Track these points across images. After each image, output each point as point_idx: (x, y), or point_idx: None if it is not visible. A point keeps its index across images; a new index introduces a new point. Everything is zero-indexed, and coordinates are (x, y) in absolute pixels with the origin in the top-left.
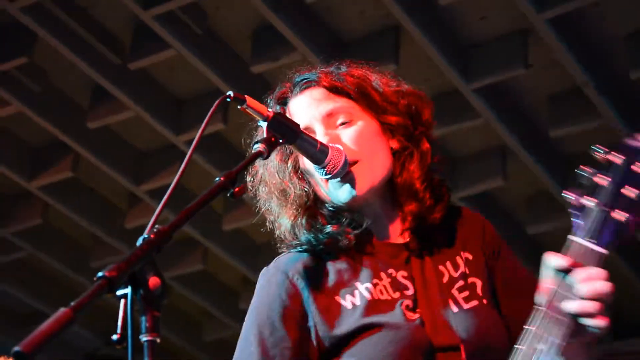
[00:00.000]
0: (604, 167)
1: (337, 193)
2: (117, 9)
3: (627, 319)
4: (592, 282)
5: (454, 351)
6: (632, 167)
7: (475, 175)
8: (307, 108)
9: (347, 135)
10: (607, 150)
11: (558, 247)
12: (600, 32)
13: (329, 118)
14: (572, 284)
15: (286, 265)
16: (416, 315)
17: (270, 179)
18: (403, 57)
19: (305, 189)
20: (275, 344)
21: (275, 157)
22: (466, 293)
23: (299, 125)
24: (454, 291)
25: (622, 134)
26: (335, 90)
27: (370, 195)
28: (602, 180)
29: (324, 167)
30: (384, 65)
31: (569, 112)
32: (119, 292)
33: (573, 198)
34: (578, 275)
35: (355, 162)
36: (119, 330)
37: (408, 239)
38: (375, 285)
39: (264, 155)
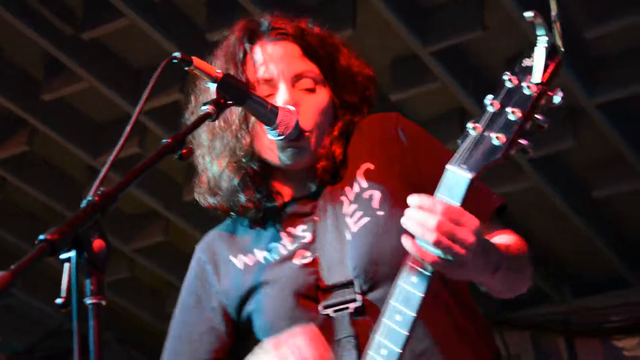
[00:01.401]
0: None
1: (280, 154)
2: None
3: (585, 277)
4: (425, 216)
5: (348, 287)
6: (523, 88)
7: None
8: (278, 61)
9: (308, 103)
10: (509, 73)
11: (520, 209)
12: None
13: (295, 79)
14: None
15: (200, 246)
16: (307, 260)
17: (218, 123)
18: (360, 21)
19: (245, 133)
20: (187, 325)
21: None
22: (359, 214)
23: (248, 85)
24: (347, 218)
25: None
26: (308, 52)
27: (307, 164)
28: (493, 104)
29: (275, 128)
30: (341, 30)
31: None
32: (63, 256)
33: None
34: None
35: (305, 132)
36: (63, 294)
37: (317, 185)
38: (271, 250)
39: (213, 116)
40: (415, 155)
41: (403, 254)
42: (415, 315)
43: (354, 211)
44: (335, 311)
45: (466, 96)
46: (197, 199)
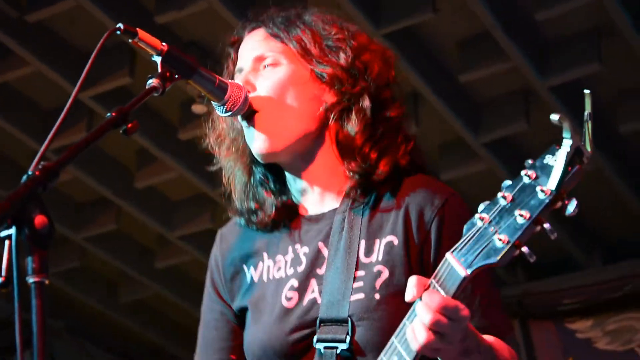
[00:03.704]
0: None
1: (251, 145)
2: None
3: (538, 260)
4: (423, 312)
5: (342, 325)
6: (537, 191)
7: None
8: (244, 52)
9: (265, 79)
10: (531, 164)
11: (472, 192)
12: None
13: (257, 62)
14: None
15: (220, 235)
16: (294, 297)
17: (218, 123)
18: (311, 4)
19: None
20: (214, 308)
21: None
22: (360, 283)
23: (195, 59)
24: (351, 276)
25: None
26: (273, 34)
27: (286, 152)
28: (505, 197)
29: (223, 104)
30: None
31: (478, 56)
32: (3, 233)
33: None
34: (419, 304)
35: (255, 110)
36: (3, 273)
37: (340, 203)
38: (277, 262)
39: (159, 90)
40: (436, 252)
41: (388, 333)
42: None
43: (359, 277)
44: (326, 348)
45: (419, 79)
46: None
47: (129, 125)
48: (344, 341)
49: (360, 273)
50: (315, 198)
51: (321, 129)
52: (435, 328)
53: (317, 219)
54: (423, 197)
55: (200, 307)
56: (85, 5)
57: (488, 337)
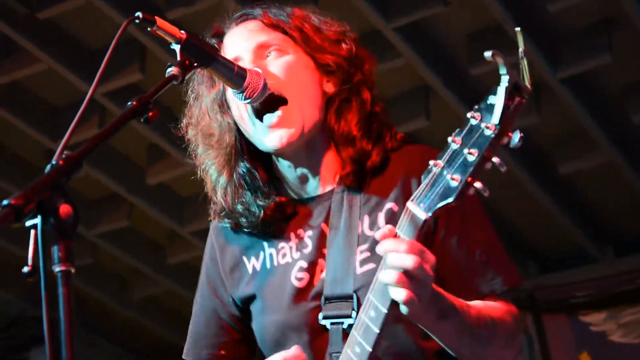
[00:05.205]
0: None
1: (265, 140)
2: None
3: (550, 253)
4: (393, 254)
5: (347, 301)
6: (482, 126)
7: (399, 116)
8: (240, 40)
9: (276, 65)
10: (476, 108)
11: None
12: None
13: (260, 50)
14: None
15: (213, 228)
16: (304, 282)
17: (200, 120)
18: None
19: (229, 122)
20: (205, 304)
21: (205, 92)
22: (366, 254)
23: (215, 47)
24: (357, 250)
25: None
26: (271, 23)
27: (301, 142)
28: (455, 140)
29: (242, 92)
30: (303, 5)
31: (489, 49)
32: (28, 223)
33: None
34: (382, 245)
35: (282, 98)
36: (29, 262)
37: (336, 185)
38: (280, 249)
39: (178, 78)
40: (441, 217)
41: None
42: (371, 350)
43: (364, 250)
44: (332, 324)
45: (430, 72)
46: (213, 218)
47: (150, 113)
48: (349, 316)
49: (364, 247)
50: (315, 184)
51: (322, 118)
52: (402, 266)
53: (316, 201)
54: (420, 163)
55: None
56: (95, 2)
57: (477, 303)
